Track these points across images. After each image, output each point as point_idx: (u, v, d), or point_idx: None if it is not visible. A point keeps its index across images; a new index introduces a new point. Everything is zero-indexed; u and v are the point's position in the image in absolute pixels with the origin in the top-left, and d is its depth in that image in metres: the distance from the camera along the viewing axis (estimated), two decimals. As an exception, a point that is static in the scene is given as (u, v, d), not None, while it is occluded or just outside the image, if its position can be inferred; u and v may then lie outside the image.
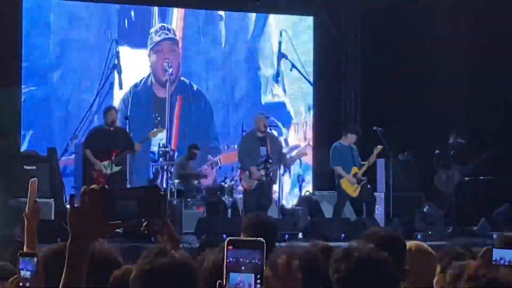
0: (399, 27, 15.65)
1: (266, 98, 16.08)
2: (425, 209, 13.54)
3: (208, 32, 15.91)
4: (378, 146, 13.37)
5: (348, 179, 13.20)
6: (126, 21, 15.30)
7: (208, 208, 13.33)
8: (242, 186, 13.02)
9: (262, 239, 2.32)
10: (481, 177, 14.17)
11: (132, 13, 15.41)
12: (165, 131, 14.20)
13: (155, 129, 13.58)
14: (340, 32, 16.61)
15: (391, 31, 15.68)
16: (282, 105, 16.28)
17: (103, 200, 2.41)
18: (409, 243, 4.57)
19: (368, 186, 13.55)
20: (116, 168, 12.51)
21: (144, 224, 2.51)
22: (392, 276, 3.29)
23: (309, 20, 16.57)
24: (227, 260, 2.30)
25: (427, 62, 15.36)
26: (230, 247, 2.31)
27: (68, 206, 11.55)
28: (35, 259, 3.33)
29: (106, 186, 2.46)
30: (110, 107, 13.25)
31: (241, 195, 13.29)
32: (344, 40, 16.69)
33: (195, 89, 15.75)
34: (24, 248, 4.09)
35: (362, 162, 13.40)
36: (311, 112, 16.54)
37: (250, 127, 13.46)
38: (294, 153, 14.56)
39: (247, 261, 2.29)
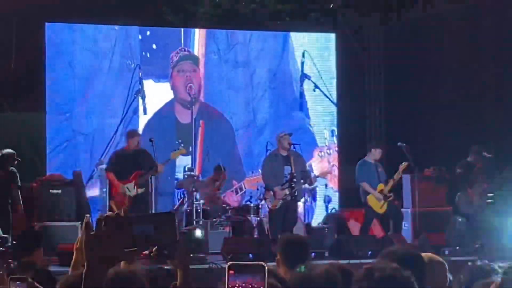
0: (422, 42, 15.62)
1: (289, 122, 15.92)
2: (452, 225, 13.44)
3: (229, 54, 15.91)
4: (404, 162, 13.32)
5: (375, 195, 13.15)
6: (147, 53, 15.34)
7: (234, 228, 13.31)
8: (267, 206, 12.99)
9: (262, 263, 2.33)
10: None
11: (154, 46, 15.44)
12: (185, 151, 14.09)
13: (176, 150, 13.56)
14: (363, 48, 16.60)
15: (414, 47, 15.66)
16: (305, 129, 16.16)
17: (119, 227, 2.41)
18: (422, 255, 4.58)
19: (395, 202, 13.49)
20: (139, 190, 12.44)
21: (154, 249, 2.51)
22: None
23: (331, 37, 16.52)
24: (229, 285, 2.31)
25: (452, 77, 15.30)
26: (232, 271, 2.33)
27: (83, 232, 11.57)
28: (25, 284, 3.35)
29: (122, 213, 2.46)
30: (133, 131, 13.24)
31: (266, 215, 13.26)
32: (367, 56, 16.67)
33: (217, 112, 15.73)
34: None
35: (388, 179, 13.36)
36: (335, 134, 16.41)
37: (274, 147, 13.44)
38: (318, 172, 14.48)
39: (249, 285, 2.31)
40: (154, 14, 15.29)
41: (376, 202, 13.22)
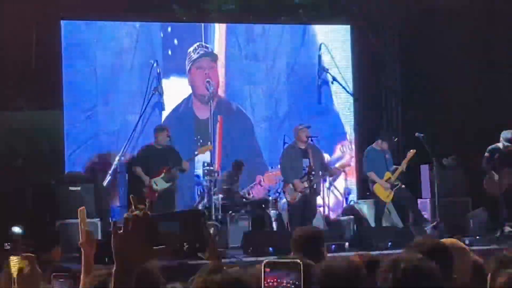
0: (438, 32, 15.56)
1: (310, 114, 15.90)
2: (472, 214, 13.40)
3: (248, 48, 15.90)
4: (411, 150, 13.28)
5: (381, 184, 13.12)
6: (169, 49, 15.36)
7: (253, 222, 13.32)
8: (286, 199, 13.01)
9: (298, 260, 2.35)
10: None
11: (176, 41, 15.46)
12: (212, 147, 14.11)
13: (203, 146, 13.63)
14: (378, 39, 16.55)
15: (430, 36, 15.61)
16: (327, 122, 16.14)
17: (146, 225, 2.42)
18: (443, 240, 4.57)
19: (403, 187, 13.37)
20: (166, 185, 12.58)
21: (186, 246, 2.51)
22: (439, 286, 3.26)
23: (346, 29, 16.47)
24: (265, 282, 2.32)
25: (468, 67, 15.24)
26: (268, 269, 2.34)
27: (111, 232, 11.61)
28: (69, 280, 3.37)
29: (147, 209, 2.47)
30: (163, 127, 13.34)
31: (286, 208, 13.27)
32: (383, 47, 16.62)
33: (234, 107, 15.74)
34: (81, 276, 4.10)
35: (395, 166, 13.32)
36: (352, 124, 16.37)
37: (291, 140, 13.43)
38: (337, 164, 14.46)
39: (285, 282, 2.32)
40: (172, 10, 15.30)
41: (383, 191, 13.20)
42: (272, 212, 13.48)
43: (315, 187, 12.70)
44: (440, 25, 15.53)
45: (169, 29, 15.45)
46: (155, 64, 14.95)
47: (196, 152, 13.19)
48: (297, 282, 2.33)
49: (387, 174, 13.19)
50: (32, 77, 14.00)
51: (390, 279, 3.23)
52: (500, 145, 13.55)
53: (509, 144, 13.47)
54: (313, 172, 12.56)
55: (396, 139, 15.20)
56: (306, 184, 12.57)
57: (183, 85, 15.42)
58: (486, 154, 13.58)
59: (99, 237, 11.88)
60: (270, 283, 2.33)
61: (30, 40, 13.78)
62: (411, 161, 13.44)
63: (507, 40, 15.07)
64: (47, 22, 14.11)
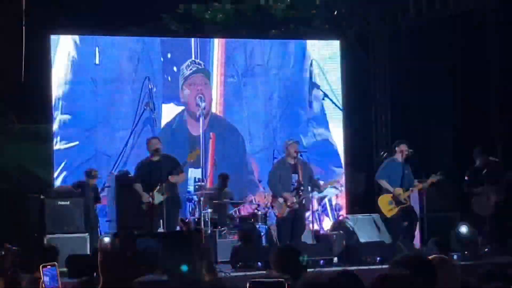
0: (426, 46, 15.64)
1: (301, 129, 15.97)
2: (460, 229, 13.41)
3: (245, 67, 15.94)
4: (437, 175, 13.06)
5: (389, 196, 12.97)
6: (169, 76, 15.43)
7: (242, 237, 13.30)
8: (274, 214, 12.97)
9: (282, 280, 2.35)
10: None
11: (175, 69, 15.52)
12: (199, 151, 14.01)
13: (191, 152, 13.51)
14: (367, 54, 16.61)
15: (419, 51, 15.68)
16: (326, 143, 16.21)
17: (133, 244, 2.44)
18: (432, 257, 4.60)
19: (410, 206, 13.29)
20: (161, 197, 12.29)
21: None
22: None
23: (335, 45, 16.52)
24: None
25: (457, 81, 15.31)
26: None
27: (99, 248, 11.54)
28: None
29: (135, 232, 2.49)
30: (152, 137, 13.24)
31: (274, 223, 13.24)
32: (372, 62, 16.68)
33: (226, 122, 15.75)
34: None
35: (416, 183, 13.17)
36: (342, 139, 16.41)
37: (281, 155, 13.44)
38: (330, 181, 14.24)
39: None
40: (166, 24, 15.37)
41: (386, 204, 13.04)
42: (261, 227, 13.47)
43: (303, 202, 12.69)
44: (429, 39, 15.59)
45: (169, 55, 15.49)
46: (146, 80, 14.97)
47: (185, 160, 13.04)
48: None
49: (398, 190, 13.02)
50: (22, 91, 14.01)
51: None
52: (477, 163, 13.60)
53: (492, 160, 13.52)
54: (302, 188, 12.55)
55: (385, 154, 15.23)
56: (294, 199, 12.55)
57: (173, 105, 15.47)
58: (466, 177, 13.62)
59: (88, 252, 11.86)
60: None
61: (20, 54, 13.79)
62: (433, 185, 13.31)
63: (494, 52, 15.14)
64: (37, 36, 14.12)
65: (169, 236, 2.42)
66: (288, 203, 12.53)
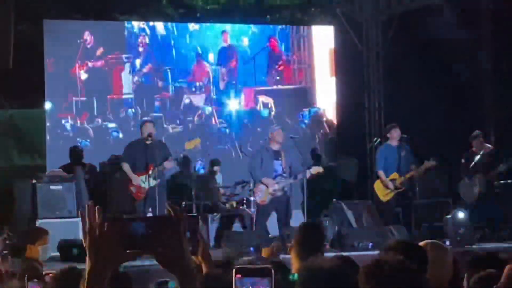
0: (420, 32, 15.63)
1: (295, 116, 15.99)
2: (457, 215, 13.42)
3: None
4: (431, 161, 13.07)
5: (384, 181, 12.99)
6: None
7: (227, 222, 13.27)
8: (256, 201, 12.72)
9: (269, 266, 2.34)
10: (509, 181, 14.04)
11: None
12: (199, 140, 13.98)
13: (190, 140, 13.44)
14: (360, 40, 16.59)
15: (411, 36, 15.67)
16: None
17: (121, 228, 2.41)
18: (423, 242, 4.63)
19: (407, 193, 13.31)
20: (154, 182, 12.27)
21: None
22: (422, 287, 3.28)
23: (329, 30, 16.52)
24: None
25: (450, 67, 15.31)
26: (239, 275, 2.33)
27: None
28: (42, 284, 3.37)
29: (124, 216, 2.47)
30: (146, 120, 13.08)
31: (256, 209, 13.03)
32: (365, 48, 16.66)
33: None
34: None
35: (412, 167, 13.17)
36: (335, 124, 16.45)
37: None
38: (313, 170, 13.87)
39: None
40: (159, 9, 15.35)
41: (382, 189, 13.08)
42: (246, 213, 13.32)
43: (285, 189, 12.55)
44: (422, 24, 15.59)
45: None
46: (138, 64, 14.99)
47: (184, 148, 12.98)
48: None
49: (394, 175, 13.04)
50: (14, 75, 13.96)
51: (374, 280, 3.23)
52: (473, 147, 13.59)
53: (478, 145, 13.48)
54: (284, 174, 12.43)
55: (377, 140, 15.24)
56: (276, 186, 12.42)
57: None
58: (462, 160, 13.62)
59: (80, 237, 11.83)
60: None
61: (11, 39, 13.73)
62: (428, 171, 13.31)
63: (486, 38, 15.16)
64: (30, 20, 14.08)
65: (158, 220, 2.42)
66: (270, 190, 12.40)
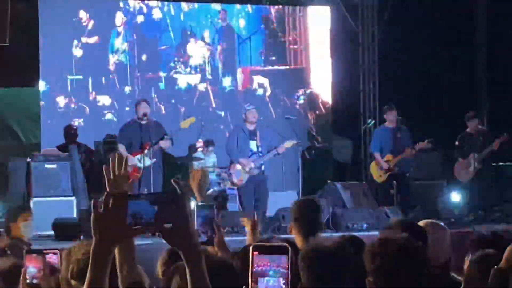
0: (415, 14, 15.62)
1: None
2: (453, 197, 13.46)
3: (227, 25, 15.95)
4: (425, 140, 13.08)
5: (379, 162, 13.04)
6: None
7: (223, 202, 13.22)
8: (233, 181, 12.67)
9: (286, 244, 2.34)
10: (501, 163, 14.07)
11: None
12: (194, 119, 13.91)
13: (185, 119, 13.36)
14: (356, 22, 16.56)
15: (407, 18, 15.66)
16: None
17: (126, 205, 2.41)
18: (423, 222, 4.65)
19: (401, 174, 13.33)
20: (149, 161, 12.23)
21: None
22: (426, 264, 3.29)
23: (325, 11, 16.49)
24: (254, 266, 2.31)
25: (446, 48, 15.31)
26: (256, 252, 2.33)
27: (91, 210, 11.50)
28: (41, 256, 3.36)
29: (129, 193, 2.45)
30: (141, 100, 12.94)
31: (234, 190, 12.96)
32: (361, 30, 16.63)
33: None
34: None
35: (407, 149, 13.17)
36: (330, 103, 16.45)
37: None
38: (286, 143, 13.67)
39: (274, 265, 2.31)
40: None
41: (377, 170, 13.17)
42: (225, 193, 13.26)
43: (262, 168, 12.53)
44: (419, 5, 15.58)
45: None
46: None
47: (179, 127, 12.91)
48: (286, 266, 2.33)
49: (388, 156, 13.09)
50: (8, 53, 13.89)
51: (380, 258, 3.23)
52: (468, 128, 13.59)
53: (473, 126, 13.47)
54: (260, 154, 12.39)
55: (373, 121, 15.25)
56: (252, 165, 12.39)
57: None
58: (456, 142, 13.64)
59: (74, 215, 11.83)
60: (259, 267, 2.32)
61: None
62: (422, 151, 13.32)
63: (482, 19, 15.15)
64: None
65: (163, 196, 2.39)
66: (247, 169, 12.39)
